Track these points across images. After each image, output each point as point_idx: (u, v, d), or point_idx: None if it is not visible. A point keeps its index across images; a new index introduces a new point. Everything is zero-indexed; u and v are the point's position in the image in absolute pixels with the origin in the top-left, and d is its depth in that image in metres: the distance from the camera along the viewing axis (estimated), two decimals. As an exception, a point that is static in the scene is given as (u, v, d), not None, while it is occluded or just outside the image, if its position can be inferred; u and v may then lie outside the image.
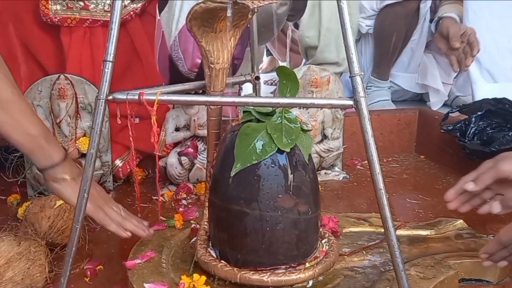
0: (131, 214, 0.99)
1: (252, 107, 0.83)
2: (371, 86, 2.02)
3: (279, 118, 0.81)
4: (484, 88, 1.72)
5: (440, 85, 1.94)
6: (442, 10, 1.86)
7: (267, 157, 0.80)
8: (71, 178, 0.93)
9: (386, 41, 1.95)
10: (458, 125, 1.48)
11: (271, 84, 2.41)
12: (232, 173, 0.80)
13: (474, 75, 1.73)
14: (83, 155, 1.32)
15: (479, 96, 1.73)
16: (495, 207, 0.93)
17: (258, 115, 0.82)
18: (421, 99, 2.07)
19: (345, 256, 0.95)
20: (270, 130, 0.80)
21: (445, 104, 1.96)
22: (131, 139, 0.83)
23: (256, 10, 0.79)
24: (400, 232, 1.06)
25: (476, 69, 1.72)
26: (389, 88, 2.04)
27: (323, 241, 0.91)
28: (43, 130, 0.93)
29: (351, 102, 0.72)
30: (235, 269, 0.82)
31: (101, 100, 0.75)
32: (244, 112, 0.84)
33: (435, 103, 1.92)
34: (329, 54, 1.81)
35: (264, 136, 0.80)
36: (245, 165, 0.80)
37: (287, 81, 0.84)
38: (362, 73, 0.72)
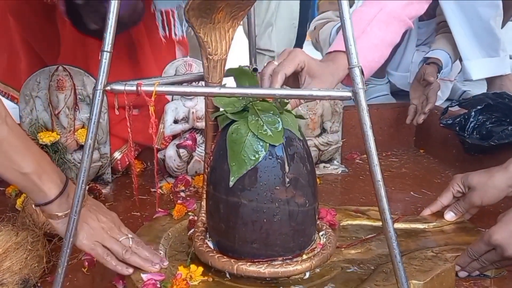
0: (143, 244, 0.90)
1: (223, 111, 0.82)
2: (368, 83, 2.00)
3: (254, 116, 0.80)
4: (477, 63, 1.72)
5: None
6: (434, 45, 1.83)
7: (261, 158, 0.79)
8: (65, 214, 0.85)
9: None
10: (458, 119, 1.48)
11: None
12: (231, 184, 0.79)
13: (466, 52, 1.72)
14: (81, 147, 1.32)
15: (473, 73, 1.73)
16: (449, 215, 1.09)
17: (233, 117, 0.81)
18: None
19: (343, 249, 0.95)
20: (255, 130, 0.79)
21: (449, 99, 1.96)
22: (129, 130, 0.83)
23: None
24: (398, 225, 1.06)
25: (467, 45, 1.72)
26: (387, 83, 2.03)
27: (321, 234, 0.91)
28: (37, 166, 0.85)
29: (349, 94, 0.72)
30: (232, 260, 0.82)
31: (98, 91, 0.75)
32: (218, 117, 0.84)
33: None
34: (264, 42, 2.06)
35: (251, 139, 0.80)
36: (241, 174, 0.79)
37: (244, 80, 0.84)
38: (361, 64, 0.72)
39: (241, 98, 0.84)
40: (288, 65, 0.98)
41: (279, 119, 0.81)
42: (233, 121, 0.82)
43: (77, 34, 1.36)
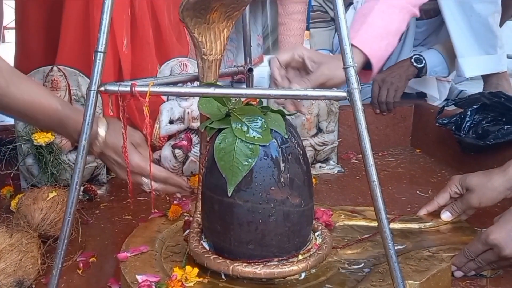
0: None
1: (208, 122, 0.82)
2: (363, 83, 1.99)
3: (237, 122, 0.80)
4: (472, 61, 1.72)
5: (434, 90, 1.92)
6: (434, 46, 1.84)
7: (254, 162, 0.79)
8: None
9: None
10: (454, 119, 1.48)
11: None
12: (229, 193, 0.79)
13: (461, 49, 1.72)
14: (76, 148, 1.31)
15: (466, 71, 1.73)
16: (445, 215, 1.09)
17: (217, 125, 0.81)
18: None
19: (338, 249, 0.95)
20: (241, 136, 0.79)
21: (446, 99, 1.95)
22: (123, 131, 0.83)
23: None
24: (394, 225, 1.05)
25: (463, 42, 1.71)
26: None
27: (316, 234, 0.91)
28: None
29: (344, 94, 0.72)
30: (227, 261, 0.81)
31: (92, 92, 0.74)
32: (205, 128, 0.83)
33: (433, 99, 1.91)
34: None
35: (240, 146, 0.79)
36: (237, 181, 0.79)
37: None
38: (356, 64, 0.71)
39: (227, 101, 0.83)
40: (283, 53, 1.06)
41: (261, 118, 0.80)
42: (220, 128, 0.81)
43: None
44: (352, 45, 1.13)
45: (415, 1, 1.27)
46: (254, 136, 0.79)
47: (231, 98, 0.84)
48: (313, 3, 2.08)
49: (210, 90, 0.78)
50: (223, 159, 0.79)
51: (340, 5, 0.69)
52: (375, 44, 1.19)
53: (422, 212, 1.12)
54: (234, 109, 0.81)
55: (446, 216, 1.08)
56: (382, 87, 1.71)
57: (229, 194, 0.79)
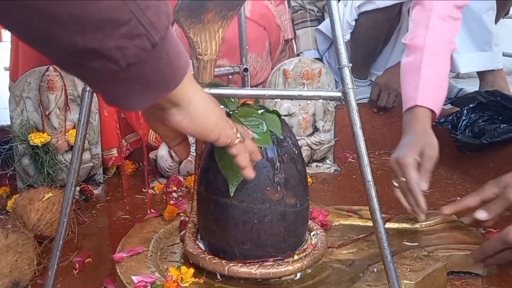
0: None
1: None
2: None
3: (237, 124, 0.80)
4: (468, 57, 1.72)
5: None
6: None
7: (254, 162, 0.78)
8: None
9: (365, 47, 1.85)
10: (450, 118, 1.48)
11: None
12: (231, 193, 0.78)
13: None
14: (72, 148, 1.31)
15: (461, 67, 1.73)
16: (481, 214, 0.96)
17: None
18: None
19: (334, 249, 0.95)
20: None
21: (447, 98, 1.94)
22: (118, 131, 0.83)
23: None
24: (390, 224, 1.06)
25: (457, 39, 1.71)
26: (369, 85, 1.98)
27: (312, 234, 0.91)
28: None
29: (339, 94, 0.72)
30: (223, 261, 0.81)
31: (87, 92, 0.75)
32: None
33: None
34: None
35: None
36: (239, 181, 0.78)
37: None
38: (351, 64, 0.71)
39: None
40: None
41: (261, 120, 0.80)
42: None
43: None
44: (418, 105, 1.15)
45: (450, 38, 1.27)
46: (254, 138, 0.78)
47: (231, 99, 0.83)
48: (293, 3, 2.04)
49: (205, 90, 0.78)
50: (223, 158, 0.79)
51: (334, 5, 0.69)
52: (435, 95, 1.19)
53: (447, 210, 1.03)
54: (235, 111, 0.81)
55: (483, 215, 0.97)
56: (383, 91, 1.69)
57: (232, 194, 0.78)
